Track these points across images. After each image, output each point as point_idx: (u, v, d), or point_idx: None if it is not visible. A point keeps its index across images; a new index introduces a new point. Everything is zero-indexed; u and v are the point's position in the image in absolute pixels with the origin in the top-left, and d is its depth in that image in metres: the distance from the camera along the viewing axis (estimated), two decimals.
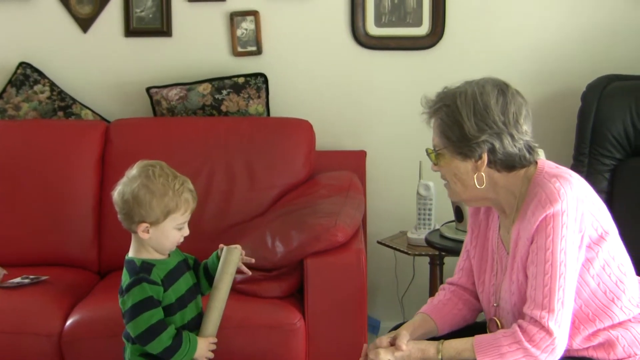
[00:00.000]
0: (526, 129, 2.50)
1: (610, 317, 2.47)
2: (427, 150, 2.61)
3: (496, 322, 2.60)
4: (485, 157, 2.47)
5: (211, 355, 2.85)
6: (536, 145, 2.55)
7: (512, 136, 2.47)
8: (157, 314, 2.75)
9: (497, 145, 2.46)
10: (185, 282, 2.89)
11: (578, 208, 2.41)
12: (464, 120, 2.46)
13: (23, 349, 3.27)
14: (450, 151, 2.51)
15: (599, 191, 2.61)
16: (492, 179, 2.52)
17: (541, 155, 3.59)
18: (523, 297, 2.48)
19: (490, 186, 2.52)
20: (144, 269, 2.78)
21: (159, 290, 2.78)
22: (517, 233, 2.50)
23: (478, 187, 2.51)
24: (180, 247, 3.83)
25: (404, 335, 2.58)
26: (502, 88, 2.52)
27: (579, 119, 4.03)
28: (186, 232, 2.86)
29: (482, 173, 2.50)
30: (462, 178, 2.53)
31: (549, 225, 2.40)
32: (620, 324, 2.48)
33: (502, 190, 2.54)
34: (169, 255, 2.87)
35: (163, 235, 2.80)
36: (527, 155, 2.51)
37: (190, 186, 2.86)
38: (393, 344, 2.57)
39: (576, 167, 3.95)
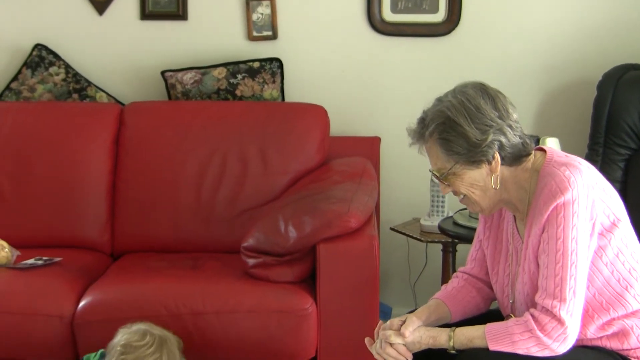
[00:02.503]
0: (516, 117, 2.49)
1: (623, 306, 2.47)
2: (434, 174, 2.57)
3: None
4: (497, 155, 2.46)
5: None
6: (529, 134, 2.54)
7: (511, 127, 2.46)
8: None
9: (504, 140, 2.45)
10: None
11: (589, 195, 2.40)
12: (466, 129, 2.44)
13: (35, 330, 3.28)
14: (462, 164, 2.48)
15: (613, 180, 2.60)
16: (503, 178, 2.50)
17: (556, 144, 3.62)
18: (535, 287, 2.47)
19: (503, 185, 2.51)
20: None
21: None
22: (530, 224, 2.49)
23: (495, 189, 2.50)
24: (192, 230, 3.86)
25: (412, 322, 2.58)
26: (482, 87, 2.50)
27: (594, 108, 4.02)
28: None
29: (497, 173, 2.49)
30: (480, 185, 2.51)
31: (559, 214, 2.39)
32: (634, 313, 2.47)
33: (513, 187, 2.53)
34: None
35: None
36: (528, 140, 2.51)
37: None
38: None
39: (591, 156, 3.95)
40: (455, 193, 2.57)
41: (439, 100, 2.52)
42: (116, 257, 3.93)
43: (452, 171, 2.50)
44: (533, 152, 2.55)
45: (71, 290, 3.41)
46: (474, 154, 2.45)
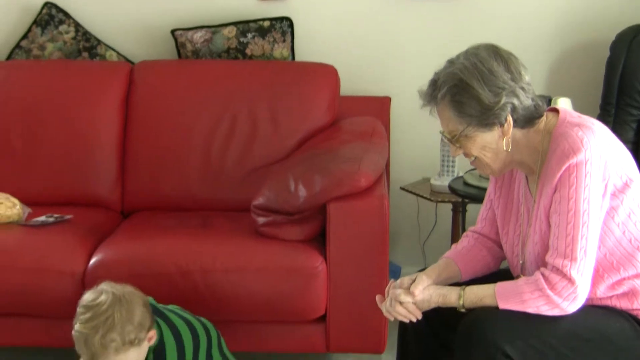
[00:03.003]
0: (528, 79, 2.48)
1: (634, 266, 2.47)
2: (445, 136, 2.56)
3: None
4: (509, 118, 2.45)
5: None
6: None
7: (523, 89, 2.45)
8: None
9: (516, 102, 2.44)
10: None
11: (601, 156, 2.39)
12: (479, 92, 2.42)
13: (47, 287, 3.29)
14: (474, 127, 2.47)
15: (625, 141, 2.60)
16: (515, 139, 2.50)
17: (568, 104, 3.60)
18: (546, 247, 2.48)
19: (515, 147, 2.50)
20: None
21: None
22: (542, 184, 2.49)
23: (507, 151, 2.49)
24: (202, 189, 3.85)
25: (422, 280, 2.59)
26: (494, 49, 2.49)
27: (607, 69, 4.01)
28: None
29: (509, 136, 2.48)
30: (492, 148, 2.50)
31: (572, 174, 2.39)
32: None
33: (525, 148, 2.52)
34: None
35: None
36: (540, 102, 2.50)
37: (90, 339, 2.65)
38: None
39: (603, 117, 3.93)
40: (466, 155, 2.57)
41: (451, 62, 2.51)
42: (126, 215, 3.94)
43: (464, 134, 2.49)
44: (545, 113, 2.54)
45: (82, 248, 3.42)
46: (487, 117, 2.45)
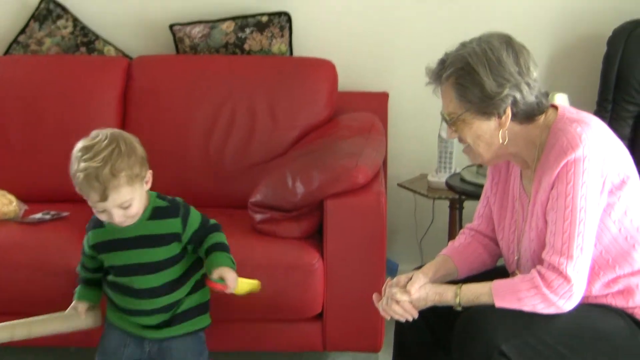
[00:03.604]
0: (536, 76, 2.49)
1: (630, 264, 2.47)
2: (444, 117, 2.57)
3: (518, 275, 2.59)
4: (508, 111, 2.45)
5: None
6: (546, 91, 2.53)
7: (528, 85, 2.46)
8: (82, 258, 2.92)
9: (519, 96, 2.44)
10: (137, 255, 2.83)
11: (599, 153, 2.40)
12: (483, 79, 2.43)
13: (42, 284, 3.29)
14: (473, 113, 2.48)
15: (621, 137, 2.60)
16: (512, 133, 2.50)
17: (565, 100, 3.60)
18: (542, 243, 2.48)
19: (512, 140, 2.51)
20: (91, 224, 2.89)
21: (90, 250, 2.89)
22: (539, 180, 2.49)
23: (502, 143, 2.50)
24: (200, 184, 3.85)
25: (418, 279, 2.59)
26: (507, 40, 2.50)
27: (603, 65, 4.00)
28: (116, 217, 2.71)
29: (505, 128, 2.48)
30: (486, 138, 2.50)
31: (570, 171, 2.39)
32: (639, 271, 2.48)
33: (522, 142, 2.53)
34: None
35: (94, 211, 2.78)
36: (544, 100, 2.50)
37: (100, 172, 2.63)
38: None
39: (599, 112, 3.93)
40: (461, 140, 2.58)
41: (463, 45, 2.51)
42: None
43: (461, 117, 2.50)
44: None
45: (79, 245, 3.40)
46: (486, 105, 2.45)
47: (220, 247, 2.88)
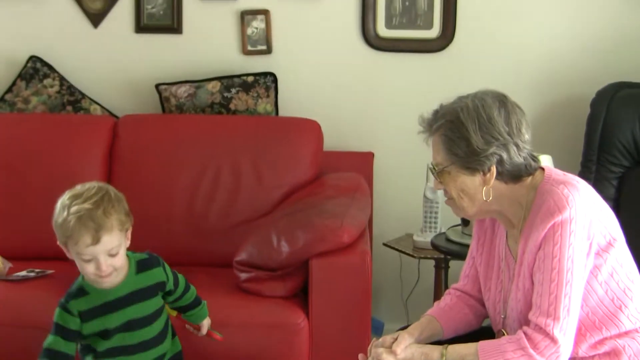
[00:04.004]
0: (527, 138, 2.50)
1: (617, 326, 2.47)
2: (431, 168, 2.58)
3: (504, 334, 2.59)
4: (493, 169, 2.46)
5: None
6: (536, 154, 2.55)
7: (517, 146, 2.47)
8: (56, 342, 2.78)
9: (505, 156, 2.45)
10: (132, 311, 2.82)
11: (586, 215, 2.40)
12: (470, 134, 2.45)
13: (26, 343, 3.25)
14: (458, 167, 2.49)
15: (606, 198, 2.60)
16: (498, 191, 2.51)
17: (549, 161, 3.62)
18: (529, 304, 2.47)
19: (496, 198, 2.52)
20: (71, 295, 2.81)
21: (74, 320, 2.79)
22: (525, 241, 2.49)
23: (486, 200, 2.51)
24: (184, 243, 3.84)
25: (403, 339, 2.58)
26: (502, 99, 2.51)
27: (587, 126, 4.03)
28: (103, 266, 2.69)
29: (490, 186, 2.49)
30: (470, 193, 2.52)
31: (557, 232, 2.39)
32: (626, 333, 2.47)
33: (507, 201, 2.53)
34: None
35: (78, 265, 2.74)
36: (532, 162, 2.51)
37: (94, 214, 2.64)
38: None
39: (584, 173, 3.95)
40: (446, 193, 2.58)
41: (459, 98, 2.53)
42: None
43: (447, 170, 2.51)
44: None
45: None
46: (471, 161, 2.46)
47: (199, 300, 3.05)
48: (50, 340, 2.78)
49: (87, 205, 2.64)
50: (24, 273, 3.61)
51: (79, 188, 2.73)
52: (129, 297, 2.81)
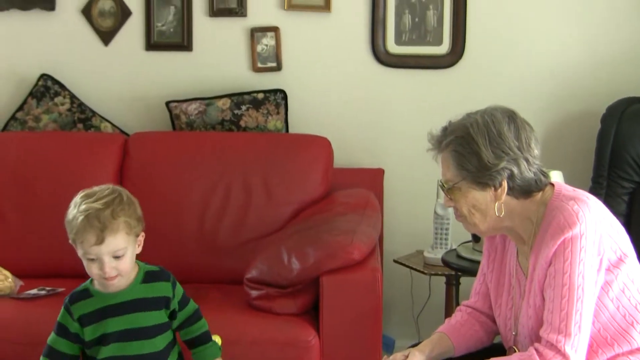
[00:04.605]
0: (537, 153, 2.50)
1: (628, 342, 2.46)
2: (441, 185, 2.58)
3: (515, 350, 2.58)
4: (505, 184, 2.46)
5: None
6: (546, 170, 2.55)
7: (527, 161, 2.47)
8: (56, 341, 2.79)
9: (516, 171, 2.45)
10: (131, 319, 2.79)
11: (597, 231, 2.40)
12: (481, 149, 2.45)
13: None
14: (469, 182, 2.49)
15: (617, 214, 2.60)
16: (509, 207, 2.50)
17: (560, 177, 3.62)
18: (540, 320, 2.47)
19: (507, 214, 2.51)
20: (75, 295, 2.79)
21: (74, 324, 2.78)
22: (536, 257, 2.49)
23: (498, 216, 2.50)
24: (195, 260, 3.84)
25: (414, 356, 2.58)
26: (511, 115, 2.51)
27: (598, 142, 4.02)
28: (107, 267, 2.66)
29: (501, 201, 2.49)
30: (482, 209, 2.51)
31: (567, 248, 2.39)
32: (638, 349, 2.46)
33: (518, 217, 2.53)
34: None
35: (84, 264, 2.72)
36: (542, 178, 2.51)
37: (101, 214, 2.63)
38: None
39: (595, 189, 3.94)
40: (456, 211, 2.58)
41: (468, 115, 2.53)
42: None
43: (458, 186, 2.50)
44: None
45: None
46: (482, 176, 2.46)
47: (209, 337, 2.94)
48: (51, 338, 2.81)
49: (96, 205, 2.65)
50: (34, 291, 3.61)
51: (94, 188, 2.74)
52: (130, 305, 2.79)
